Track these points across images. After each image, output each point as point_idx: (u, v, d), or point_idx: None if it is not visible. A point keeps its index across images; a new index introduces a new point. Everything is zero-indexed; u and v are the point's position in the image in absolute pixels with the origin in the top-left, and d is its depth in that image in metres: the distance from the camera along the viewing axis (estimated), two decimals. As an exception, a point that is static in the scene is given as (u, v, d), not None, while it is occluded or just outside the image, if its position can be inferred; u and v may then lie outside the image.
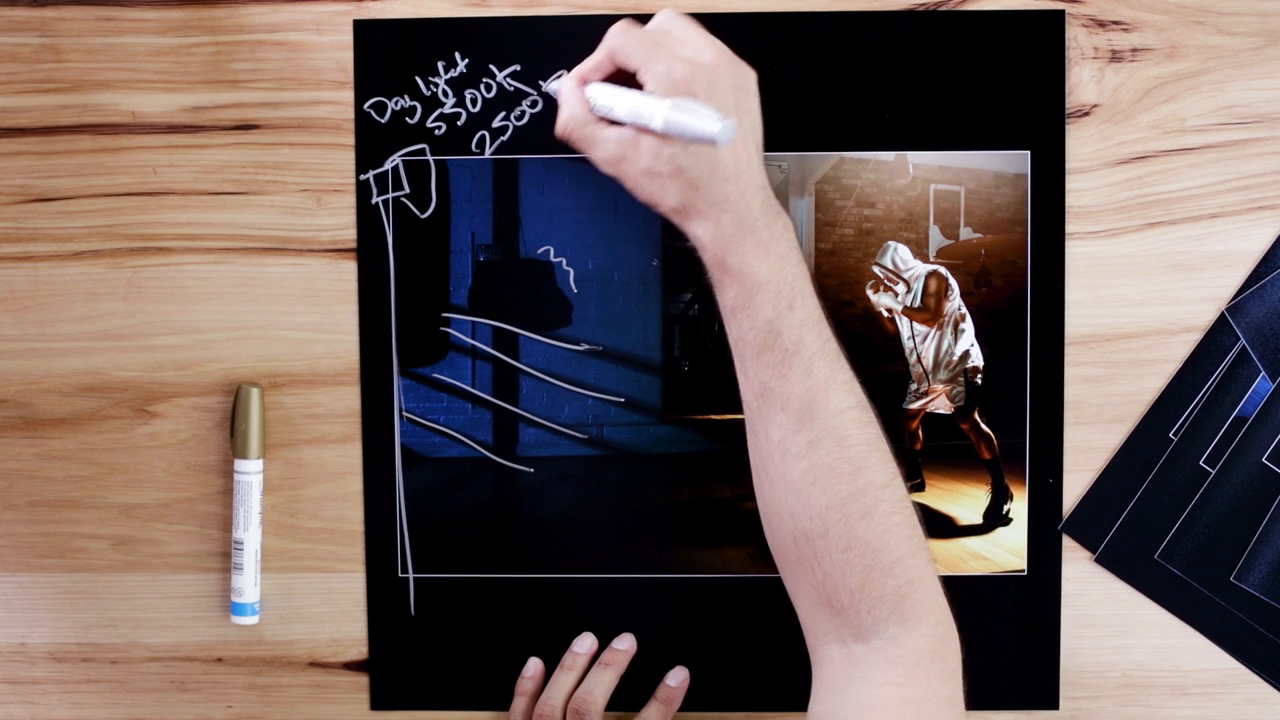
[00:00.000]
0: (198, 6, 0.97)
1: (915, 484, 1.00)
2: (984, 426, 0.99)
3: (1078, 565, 1.00)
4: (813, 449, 0.83)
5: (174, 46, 0.98)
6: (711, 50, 0.85)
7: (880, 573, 0.83)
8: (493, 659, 1.02)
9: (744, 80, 0.87)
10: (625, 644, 1.01)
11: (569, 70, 0.89)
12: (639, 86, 0.84)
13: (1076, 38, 0.97)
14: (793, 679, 1.01)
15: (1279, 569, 0.98)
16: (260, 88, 0.98)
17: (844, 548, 0.83)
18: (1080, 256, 0.98)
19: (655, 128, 0.81)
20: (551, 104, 0.96)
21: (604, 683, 0.98)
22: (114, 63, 0.98)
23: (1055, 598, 1.00)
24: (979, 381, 0.99)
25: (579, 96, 0.87)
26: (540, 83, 0.96)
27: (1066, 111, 0.98)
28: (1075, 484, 1.00)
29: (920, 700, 0.83)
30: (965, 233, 0.98)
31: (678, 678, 1.01)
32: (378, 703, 1.02)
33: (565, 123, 0.88)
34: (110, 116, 0.98)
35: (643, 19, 0.96)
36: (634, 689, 1.01)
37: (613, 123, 0.86)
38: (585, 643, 1.01)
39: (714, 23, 0.96)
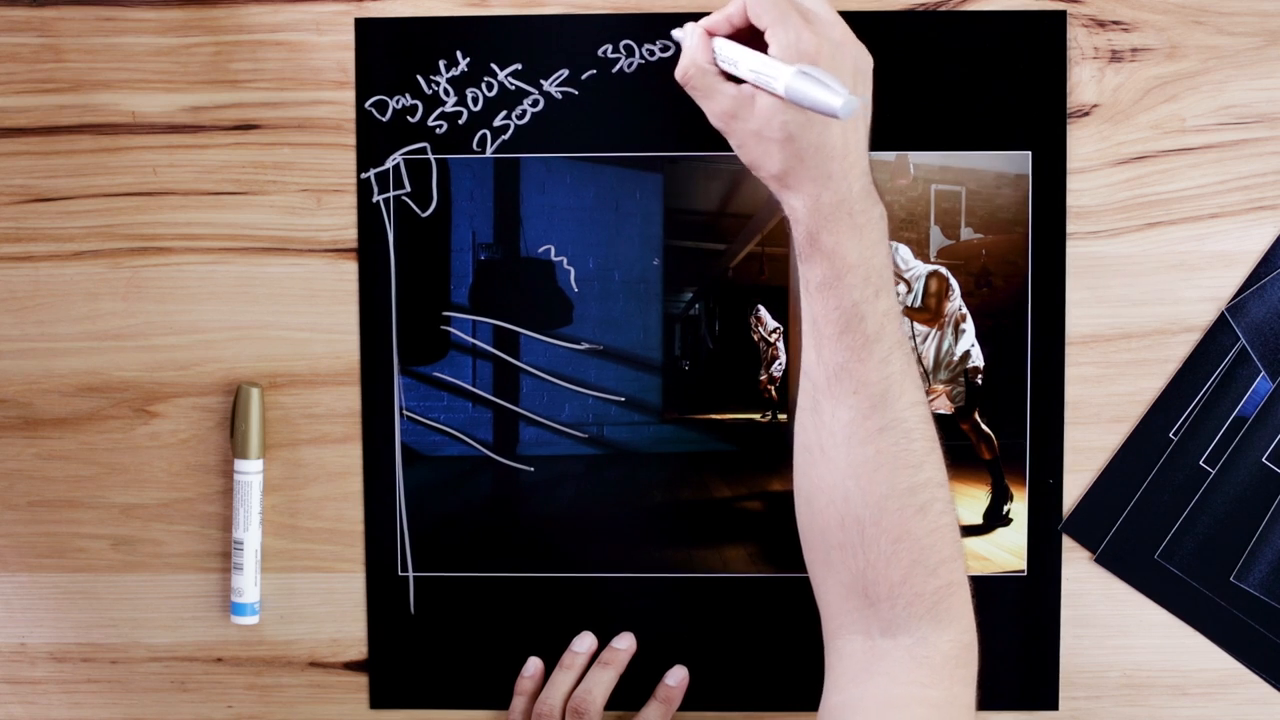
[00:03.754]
0: (198, 6, 0.97)
1: (916, 484, 1.00)
2: (984, 427, 0.99)
3: (1078, 565, 1.00)
4: (881, 436, 0.83)
5: (174, 46, 0.98)
6: (839, 28, 0.84)
7: (924, 570, 0.83)
8: (492, 658, 1.02)
9: (864, 64, 0.86)
10: (625, 643, 1.01)
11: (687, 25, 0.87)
12: (763, 48, 0.82)
13: (1076, 38, 0.97)
14: (793, 678, 1.01)
15: (1279, 569, 0.98)
16: (260, 88, 0.98)
17: (894, 539, 0.83)
18: (1080, 256, 0.98)
19: (776, 90, 0.79)
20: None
21: (603, 682, 0.98)
22: (114, 63, 0.98)
23: (1055, 598, 1.00)
24: (979, 382, 0.99)
25: (704, 45, 0.85)
26: (672, 32, 0.92)
27: (1068, 111, 0.98)
28: (1075, 484, 1.00)
29: (942, 703, 0.83)
30: (966, 233, 0.98)
31: (677, 677, 1.01)
32: (378, 702, 1.02)
33: (686, 68, 0.86)
34: (110, 116, 0.98)
35: (645, 20, 0.96)
36: (633, 688, 1.01)
37: (730, 79, 0.84)
38: (584, 642, 1.01)
39: (715, 23, 0.96)
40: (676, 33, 0.90)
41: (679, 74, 0.86)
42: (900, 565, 0.83)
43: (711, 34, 0.86)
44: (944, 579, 0.83)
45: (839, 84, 0.76)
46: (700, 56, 0.85)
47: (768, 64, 0.81)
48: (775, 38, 0.81)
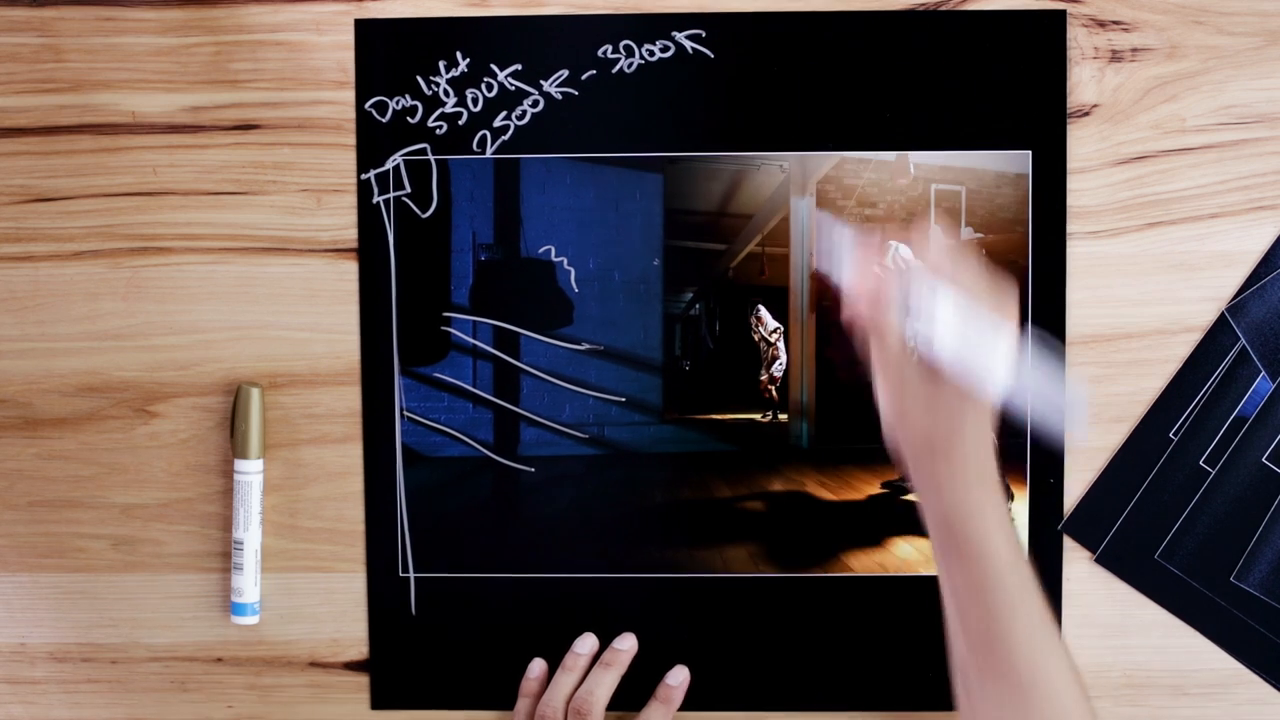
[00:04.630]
0: (198, 6, 0.97)
1: (916, 484, 1.00)
2: (985, 426, 0.99)
3: (1078, 565, 1.00)
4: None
5: (174, 46, 0.98)
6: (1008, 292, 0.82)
7: None
8: (493, 658, 1.02)
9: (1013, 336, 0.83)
10: (626, 644, 1.01)
11: None
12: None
13: (1077, 37, 0.97)
14: (793, 678, 1.01)
15: (1279, 569, 0.98)
16: (260, 88, 0.98)
17: None
18: (1080, 256, 0.98)
19: (938, 345, 0.78)
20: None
21: (605, 683, 0.98)
22: (114, 63, 0.98)
23: (1056, 598, 1.00)
24: (980, 381, 0.99)
25: (891, 316, 0.82)
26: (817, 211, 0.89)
27: (1068, 111, 0.98)
28: (1075, 484, 1.00)
29: None
30: (966, 232, 0.98)
31: (678, 677, 1.01)
32: (378, 702, 1.02)
33: (878, 312, 0.82)
34: (110, 116, 0.98)
35: (645, 20, 0.96)
36: (634, 688, 1.01)
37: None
38: (586, 643, 1.01)
39: (716, 23, 0.97)
40: (829, 231, 0.86)
41: (864, 312, 0.83)
42: None
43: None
44: None
45: (1002, 363, 0.77)
46: (896, 315, 0.82)
47: (943, 314, 0.79)
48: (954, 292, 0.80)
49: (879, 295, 0.82)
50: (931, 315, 0.79)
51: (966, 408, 0.80)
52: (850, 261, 0.84)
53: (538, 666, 1.01)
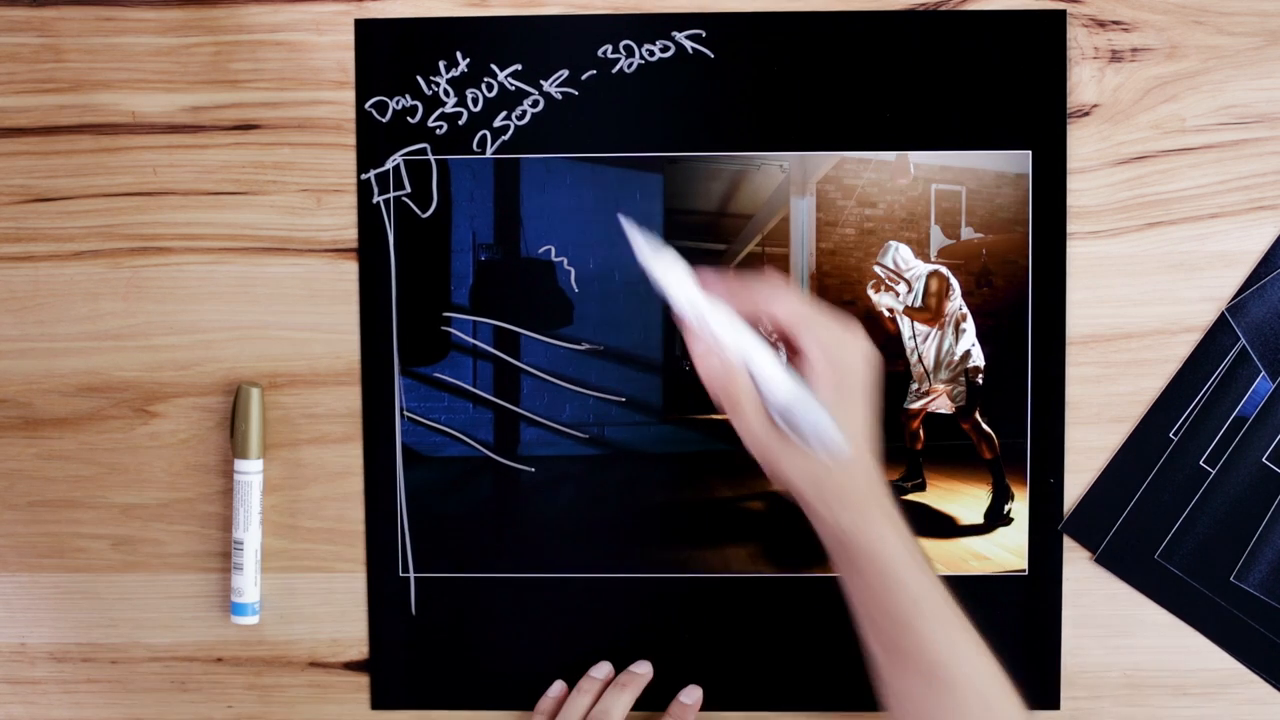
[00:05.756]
0: (198, 6, 0.97)
1: (916, 483, 1.00)
2: (985, 426, 0.99)
3: (1078, 565, 1.00)
4: (954, 715, 0.82)
5: (174, 46, 0.98)
6: (861, 338, 0.83)
7: None
8: (494, 659, 1.02)
9: (874, 370, 0.84)
10: (643, 669, 1.01)
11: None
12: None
13: (1077, 37, 0.97)
14: (795, 678, 1.01)
15: (1279, 569, 0.98)
16: (260, 88, 0.98)
17: None
18: (1080, 256, 0.98)
19: (773, 400, 0.80)
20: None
21: (620, 703, 0.98)
22: (114, 63, 0.98)
23: (1056, 597, 1.00)
24: (980, 381, 0.99)
25: (733, 367, 0.82)
26: (625, 222, 0.85)
27: (1068, 111, 0.98)
28: (1075, 484, 1.00)
29: None
30: (966, 232, 0.98)
31: (692, 695, 1.01)
32: (378, 702, 1.02)
33: (726, 384, 0.82)
34: (110, 116, 0.98)
35: (645, 20, 0.96)
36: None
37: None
38: (602, 669, 1.01)
39: (716, 23, 0.97)
40: (653, 266, 0.83)
41: (707, 376, 0.83)
42: None
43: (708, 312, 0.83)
44: None
45: (832, 427, 0.79)
46: (743, 380, 0.82)
47: (773, 373, 0.80)
48: (818, 354, 0.81)
49: (719, 370, 0.82)
50: (773, 379, 0.80)
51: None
52: (685, 317, 0.83)
53: (557, 687, 1.01)
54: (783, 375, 0.80)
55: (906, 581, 0.82)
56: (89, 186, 0.99)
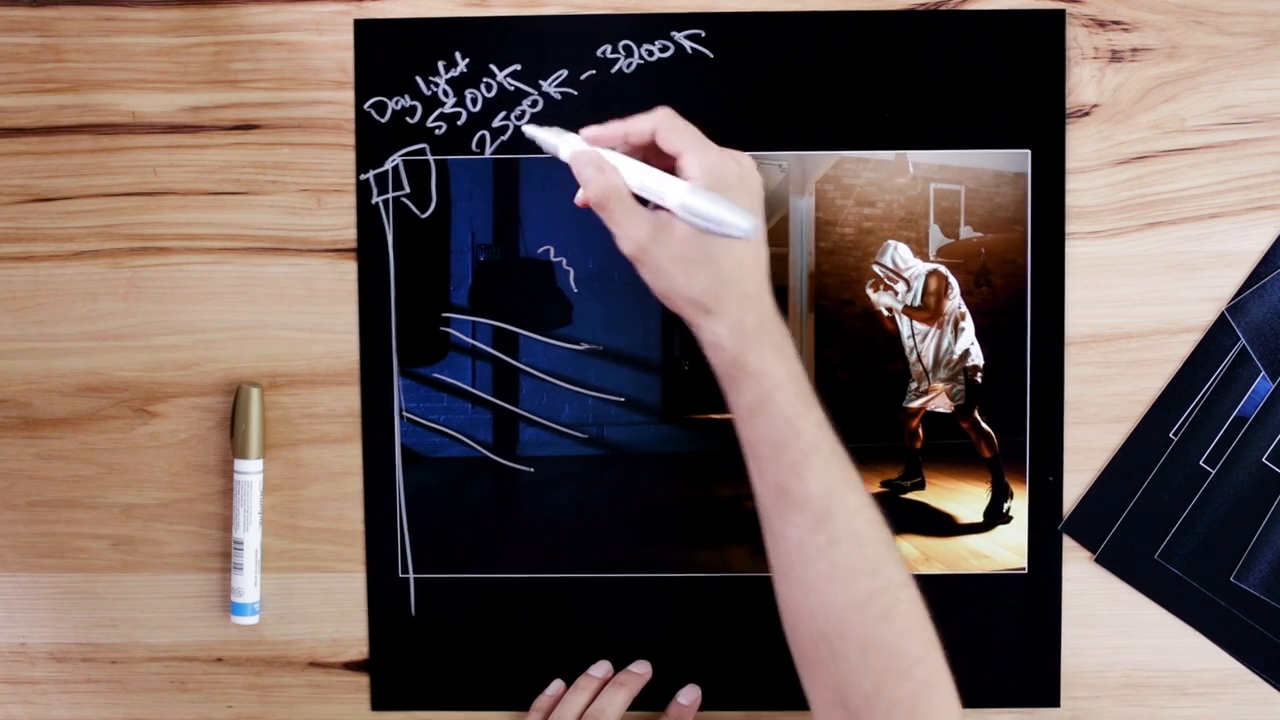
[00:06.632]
0: (198, 6, 0.97)
1: (915, 482, 1.00)
2: (984, 425, 0.99)
3: (1078, 565, 1.00)
4: (832, 549, 0.82)
5: (174, 46, 0.98)
6: (747, 157, 0.85)
7: (896, 676, 0.82)
8: (493, 659, 1.02)
9: (760, 188, 0.86)
10: (641, 668, 1.01)
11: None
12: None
13: (1077, 37, 0.97)
14: (794, 678, 1.00)
15: (1279, 569, 0.98)
16: (260, 88, 0.98)
17: (861, 649, 0.82)
18: (1080, 256, 0.98)
19: (669, 206, 0.81)
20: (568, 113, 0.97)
21: (616, 702, 0.98)
22: (114, 63, 0.98)
23: (1056, 595, 1.00)
24: (979, 380, 0.99)
25: (608, 166, 0.84)
26: (526, 127, 0.90)
27: (1067, 111, 0.98)
28: (1075, 484, 1.00)
29: None
30: (965, 232, 0.98)
31: (690, 695, 1.01)
32: (379, 704, 1.02)
33: (604, 192, 0.84)
34: (110, 116, 0.98)
35: (645, 20, 0.96)
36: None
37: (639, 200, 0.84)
38: (601, 668, 1.01)
39: (715, 23, 0.97)
40: (537, 133, 0.89)
41: (593, 198, 0.84)
42: (872, 674, 0.81)
43: (598, 142, 0.86)
44: (918, 680, 0.82)
45: (738, 206, 0.79)
46: (617, 180, 0.84)
47: (661, 178, 0.82)
48: (695, 161, 0.82)
49: (607, 185, 0.84)
50: (662, 189, 0.82)
51: (722, 261, 0.82)
52: (575, 159, 0.86)
53: (555, 686, 1.01)
54: (678, 182, 0.82)
55: (789, 415, 0.82)
56: (89, 186, 0.99)
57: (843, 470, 0.83)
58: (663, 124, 0.84)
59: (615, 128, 0.86)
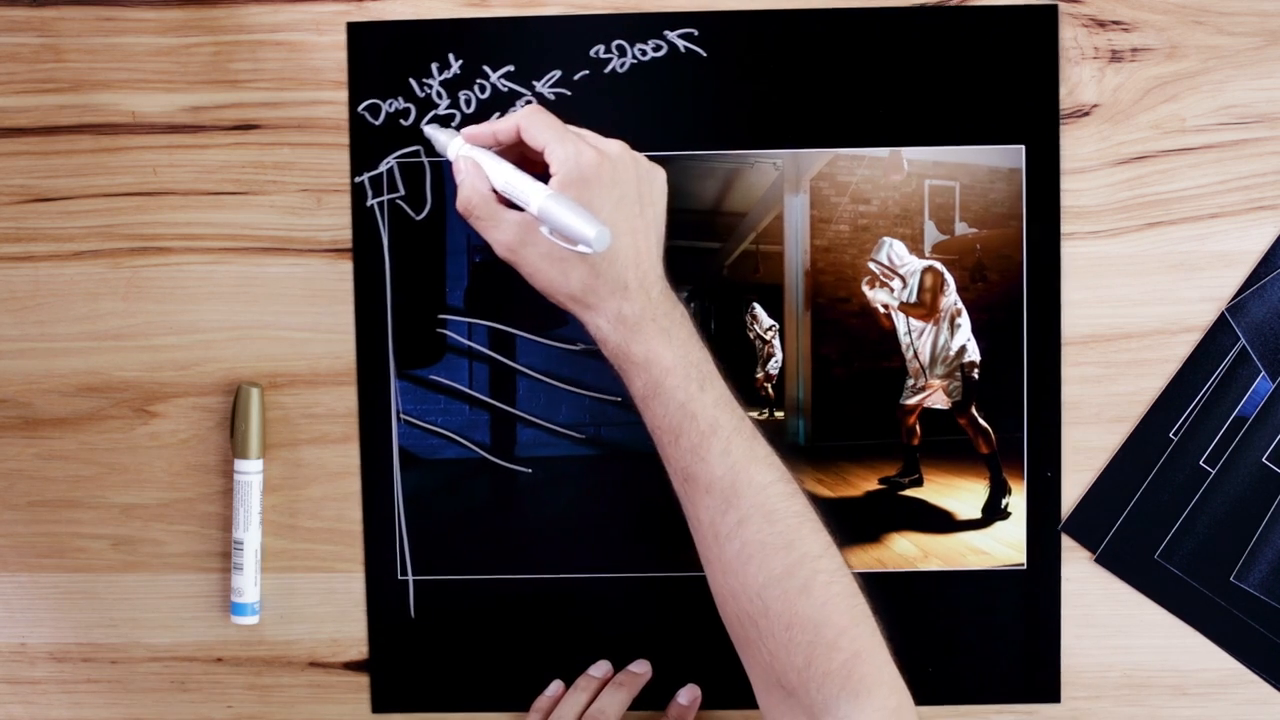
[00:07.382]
0: (198, 6, 0.98)
1: (913, 479, 1.00)
2: (981, 421, 0.99)
3: (1078, 565, 1.00)
4: (742, 527, 0.83)
5: (174, 46, 0.98)
6: (617, 144, 0.86)
7: (824, 648, 0.82)
8: (493, 660, 1.02)
9: (651, 175, 0.87)
10: (641, 668, 1.01)
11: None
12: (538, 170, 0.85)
13: (1076, 37, 0.97)
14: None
15: (1279, 569, 0.98)
16: (260, 88, 0.99)
17: (785, 625, 0.82)
18: (1080, 256, 0.98)
19: (531, 211, 0.82)
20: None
21: (616, 702, 0.98)
22: (114, 63, 0.98)
23: (1055, 591, 0.99)
24: (976, 376, 0.99)
25: (479, 173, 0.86)
26: (425, 126, 0.95)
27: (1066, 111, 0.98)
28: (1075, 484, 1.00)
29: None
30: (960, 228, 0.98)
31: (689, 695, 1.01)
32: (379, 706, 1.02)
33: (469, 199, 0.86)
34: (110, 116, 0.99)
35: (638, 20, 0.97)
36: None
37: (508, 204, 0.86)
38: (601, 668, 1.01)
39: (708, 22, 0.97)
40: (433, 132, 0.92)
41: (461, 207, 0.87)
42: (800, 650, 0.82)
43: (472, 141, 0.89)
44: (848, 650, 0.82)
45: (590, 216, 0.79)
46: (482, 186, 0.86)
47: (524, 182, 0.83)
48: (554, 154, 0.83)
49: (471, 192, 0.86)
50: (526, 194, 0.83)
51: (595, 256, 0.83)
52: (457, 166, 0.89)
53: (555, 686, 1.01)
54: (537, 187, 0.82)
55: (682, 400, 0.83)
56: (89, 186, 0.99)
57: (748, 447, 0.84)
58: (525, 120, 0.86)
59: (485, 127, 0.88)
